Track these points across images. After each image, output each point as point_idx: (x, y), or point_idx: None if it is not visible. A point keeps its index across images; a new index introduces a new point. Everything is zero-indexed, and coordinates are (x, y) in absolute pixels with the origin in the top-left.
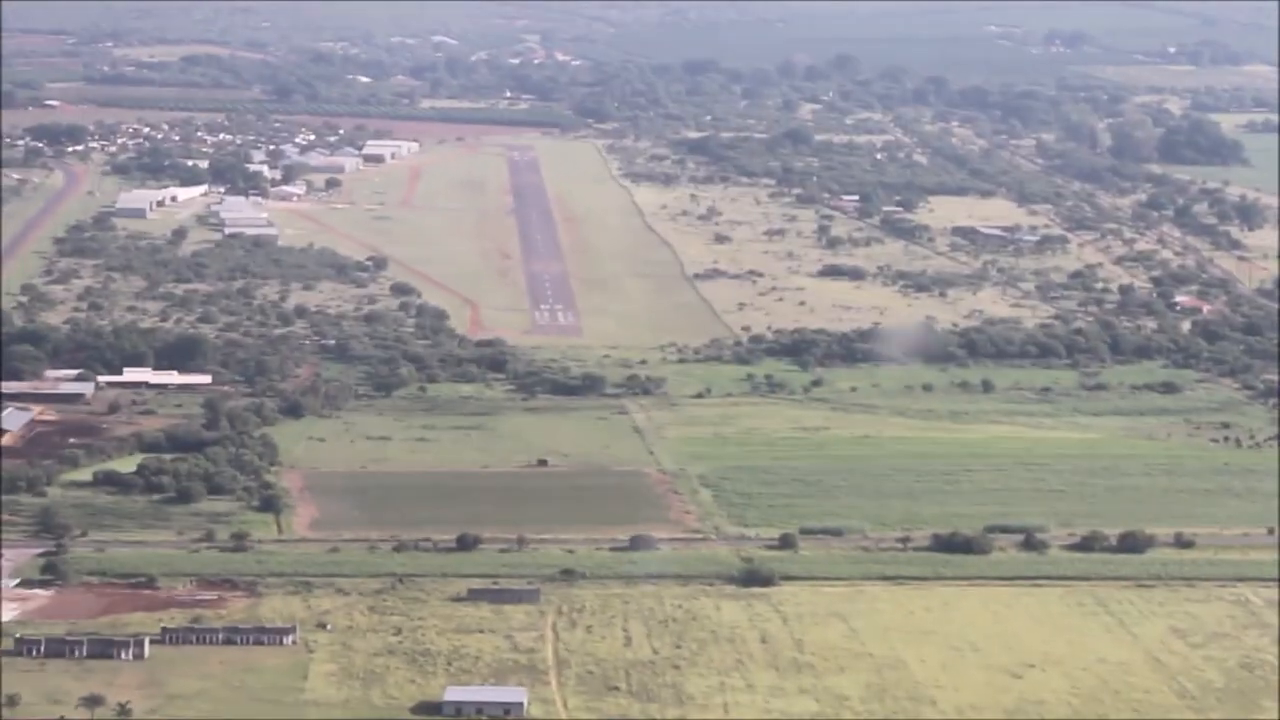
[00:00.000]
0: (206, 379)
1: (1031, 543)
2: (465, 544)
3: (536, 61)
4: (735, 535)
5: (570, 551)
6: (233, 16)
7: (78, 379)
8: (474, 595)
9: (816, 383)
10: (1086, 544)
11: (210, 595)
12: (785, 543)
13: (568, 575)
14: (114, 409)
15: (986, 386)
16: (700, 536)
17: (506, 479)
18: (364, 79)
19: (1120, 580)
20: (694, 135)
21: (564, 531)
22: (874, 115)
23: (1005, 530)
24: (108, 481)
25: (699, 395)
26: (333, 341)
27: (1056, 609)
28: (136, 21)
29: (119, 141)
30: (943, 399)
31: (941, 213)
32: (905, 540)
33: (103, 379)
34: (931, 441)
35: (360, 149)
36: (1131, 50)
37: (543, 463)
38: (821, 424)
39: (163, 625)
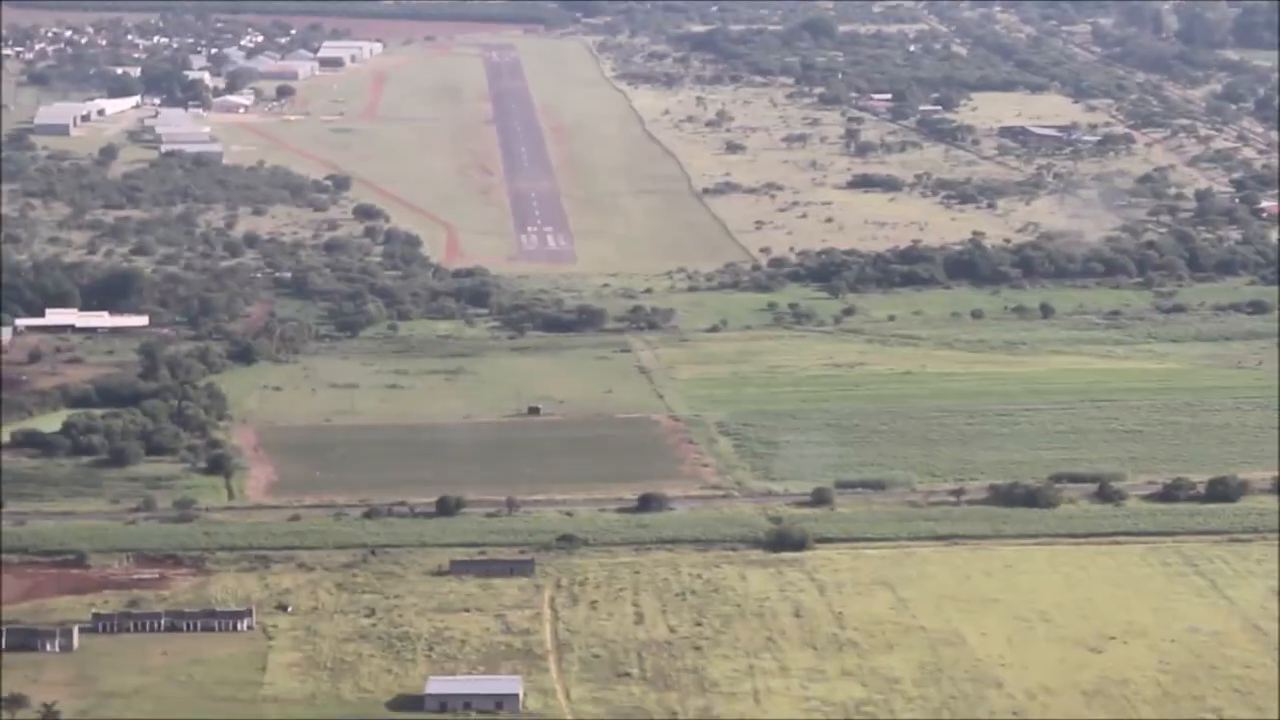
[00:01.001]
0: (143, 320)
1: (1106, 493)
2: (446, 508)
3: None
4: (761, 491)
5: (569, 514)
6: None
7: None
8: (458, 568)
9: (849, 311)
10: (1170, 493)
11: (150, 574)
12: (819, 499)
13: (567, 542)
14: (35, 358)
15: (1046, 311)
16: (720, 494)
17: (493, 431)
18: None
19: (1211, 534)
20: (699, 29)
21: (561, 491)
22: (906, 1)
23: (1074, 479)
24: (29, 443)
25: (713, 329)
26: (288, 274)
27: (1138, 570)
28: None
29: (37, 47)
30: (995, 327)
31: (986, 112)
32: (958, 493)
33: (21, 323)
34: (985, 377)
35: (316, 51)
36: None
37: (534, 411)
38: (856, 359)
39: (94, 611)
